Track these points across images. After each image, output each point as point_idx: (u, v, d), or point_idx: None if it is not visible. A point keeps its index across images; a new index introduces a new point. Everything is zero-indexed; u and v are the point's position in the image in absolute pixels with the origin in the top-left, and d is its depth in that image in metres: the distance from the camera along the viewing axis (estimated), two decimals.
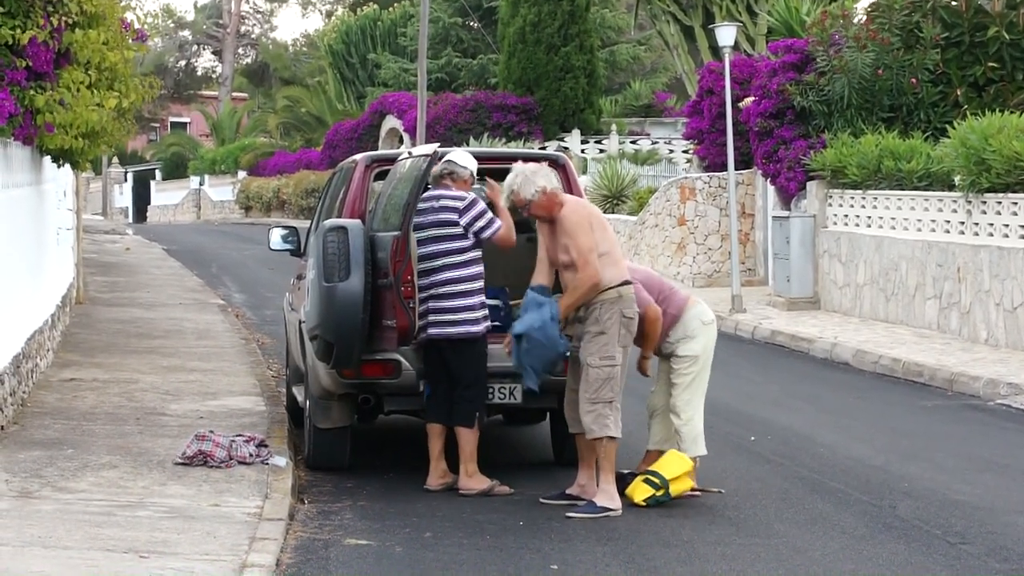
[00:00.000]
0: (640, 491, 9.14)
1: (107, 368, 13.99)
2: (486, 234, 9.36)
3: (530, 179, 9.03)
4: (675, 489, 9.14)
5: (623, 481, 9.33)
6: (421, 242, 9.43)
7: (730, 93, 21.17)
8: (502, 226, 9.38)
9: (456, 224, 9.33)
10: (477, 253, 9.43)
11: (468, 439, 9.38)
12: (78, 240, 20.72)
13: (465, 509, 8.99)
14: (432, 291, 9.36)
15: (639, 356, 9.52)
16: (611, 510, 8.85)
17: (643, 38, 52.37)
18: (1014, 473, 10.33)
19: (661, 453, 9.49)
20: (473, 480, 9.39)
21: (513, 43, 41.39)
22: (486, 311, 9.45)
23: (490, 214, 9.39)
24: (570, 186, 9.82)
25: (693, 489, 9.28)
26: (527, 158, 10.48)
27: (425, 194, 9.50)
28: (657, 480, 9.13)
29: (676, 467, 9.19)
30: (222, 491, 8.85)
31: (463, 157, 9.62)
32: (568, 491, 9.19)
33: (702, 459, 9.57)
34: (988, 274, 16.32)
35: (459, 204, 9.38)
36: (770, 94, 22.09)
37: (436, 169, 9.50)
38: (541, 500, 9.14)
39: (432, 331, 9.34)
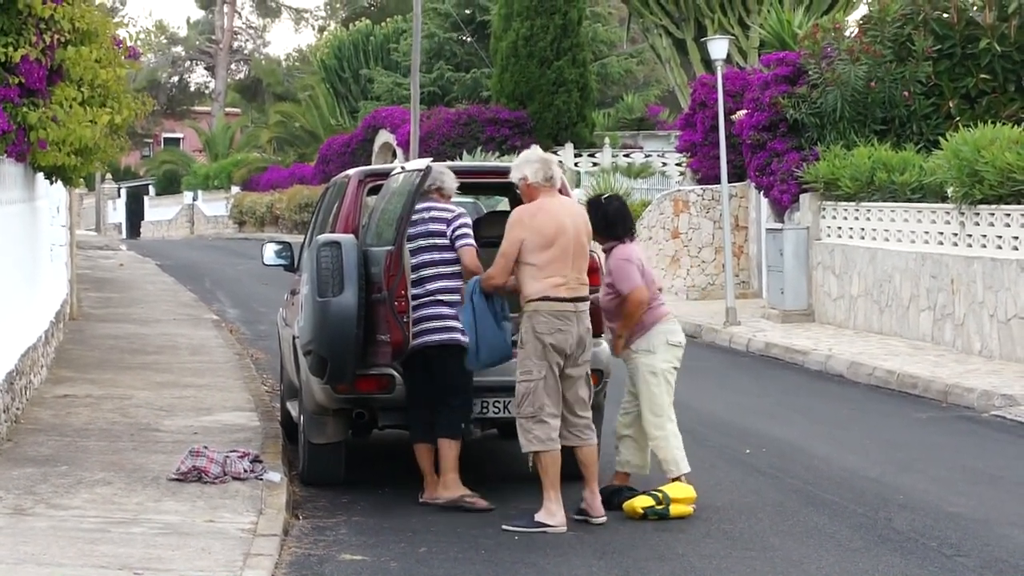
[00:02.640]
0: (641, 501, 9.15)
1: (101, 384, 13.98)
2: (457, 244, 9.42)
3: (520, 164, 9.15)
4: (674, 511, 9.14)
5: (620, 495, 9.34)
6: (413, 252, 9.48)
7: (723, 106, 21.20)
8: (472, 247, 9.43)
9: (444, 235, 9.41)
10: (450, 268, 9.44)
11: (450, 451, 9.37)
12: (72, 256, 20.71)
13: (460, 524, 8.97)
14: (425, 299, 9.39)
15: (613, 336, 9.55)
16: (548, 526, 8.76)
17: (635, 51, 52.47)
18: (1008, 485, 10.33)
19: (628, 475, 9.53)
20: (448, 490, 9.37)
21: (506, 57, 41.44)
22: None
23: (470, 231, 9.48)
24: None
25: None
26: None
27: (417, 206, 9.54)
28: (660, 495, 9.17)
29: (680, 493, 9.23)
30: (216, 507, 8.84)
31: (448, 173, 9.73)
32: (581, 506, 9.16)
33: (693, 470, 9.55)
34: (981, 285, 16.34)
35: (447, 215, 9.50)
36: (763, 107, 22.12)
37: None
38: (504, 527, 8.88)
39: (424, 339, 9.35)
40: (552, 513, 8.81)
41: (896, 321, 18.46)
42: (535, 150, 9.34)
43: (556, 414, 8.93)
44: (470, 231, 9.51)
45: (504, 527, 8.80)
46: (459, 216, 9.52)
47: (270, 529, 8.32)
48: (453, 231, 9.44)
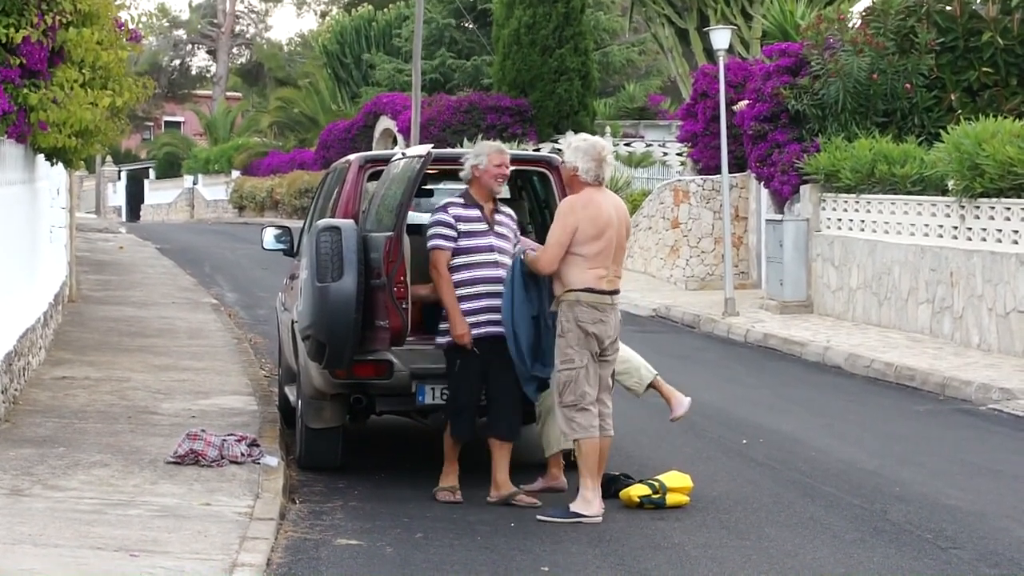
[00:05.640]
0: (638, 490, 9.16)
1: (99, 366, 13.98)
2: (428, 244, 9.29)
3: (577, 153, 8.99)
4: (671, 500, 9.15)
5: (616, 483, 9.34)
6: None
7: (724, 96, 21.18)
8: (436, 249, 9.20)
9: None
10: (455, 260, 9.26)
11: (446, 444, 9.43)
12: (71, 238, 20.71)
13: (456, 510, 8.98)
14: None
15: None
16: (583, 516, 8.73)
17: (637, 41, 52.44)
18: (1005, 478, 10.34)
19: (560, 453, 9.50)
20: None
21: (508, 45, 41.40)
22: (446, 324, 9.28)
23: (436, 230, 9.23)
24: (562, 187, 9.78)
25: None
26: (518, 159, 10.46)
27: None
28: (656, 484, 9.18)
29: (677, 482, 9.25)
30: (213, 490, 8.85)
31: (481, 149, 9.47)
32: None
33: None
34: (981, 279, 16.34)
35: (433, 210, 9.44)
36: (764, 97, 22.10)
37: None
38: (538, 518, 8.85)
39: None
40: (588, 502, 8.79)
41: (895, 313, 18.47)
42: (595, 144, 9.04)
43: (595, 402, 8.96)
44: (440, 229, 9.23)
45: (539, 517, 8.76)
46: (435, 212, 9.35)
47: (267, 513, 8.33)
48: (427, 230, 9.34)
